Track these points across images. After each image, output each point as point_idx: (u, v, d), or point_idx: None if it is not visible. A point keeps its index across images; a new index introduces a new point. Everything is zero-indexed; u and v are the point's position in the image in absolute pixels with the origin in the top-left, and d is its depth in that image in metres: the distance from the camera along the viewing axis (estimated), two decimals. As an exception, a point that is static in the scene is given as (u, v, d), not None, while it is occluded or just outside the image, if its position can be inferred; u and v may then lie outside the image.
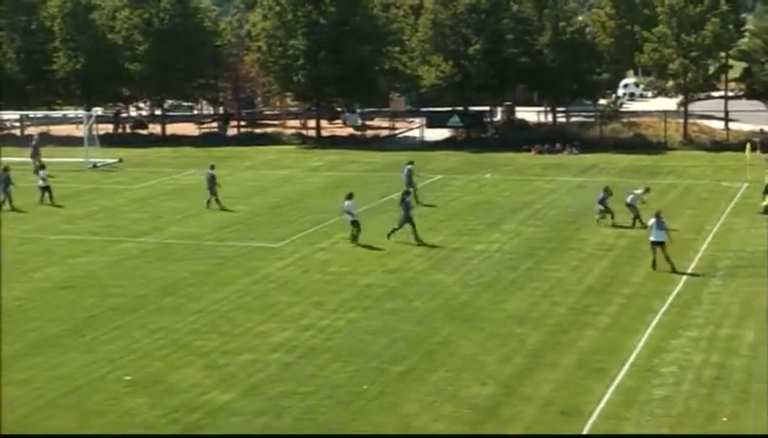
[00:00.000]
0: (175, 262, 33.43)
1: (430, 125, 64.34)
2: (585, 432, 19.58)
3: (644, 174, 47.03)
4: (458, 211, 40.10)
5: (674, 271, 30.14)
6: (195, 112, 78.48)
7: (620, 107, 67.75)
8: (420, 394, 21.46)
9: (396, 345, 24.61)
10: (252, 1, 79.62)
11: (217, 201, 42.38)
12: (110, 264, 33.48)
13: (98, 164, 55.68)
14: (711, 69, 61.34)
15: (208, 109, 78.50)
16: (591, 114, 66.67)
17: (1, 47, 68.88)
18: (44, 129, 68.00)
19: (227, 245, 35.82)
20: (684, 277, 29.94)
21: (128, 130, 71.14)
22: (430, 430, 19.87)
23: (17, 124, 71.66)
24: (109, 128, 69.42)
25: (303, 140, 64.80)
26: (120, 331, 26.15)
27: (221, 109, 76.08)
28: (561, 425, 19.89)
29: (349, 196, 35.62)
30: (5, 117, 70.15)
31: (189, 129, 70.15)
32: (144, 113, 76.17)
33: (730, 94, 62.98)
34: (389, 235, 34.96)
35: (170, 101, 73.36)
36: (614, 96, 71.52)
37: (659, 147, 57.81)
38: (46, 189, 44.56)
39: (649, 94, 77.08)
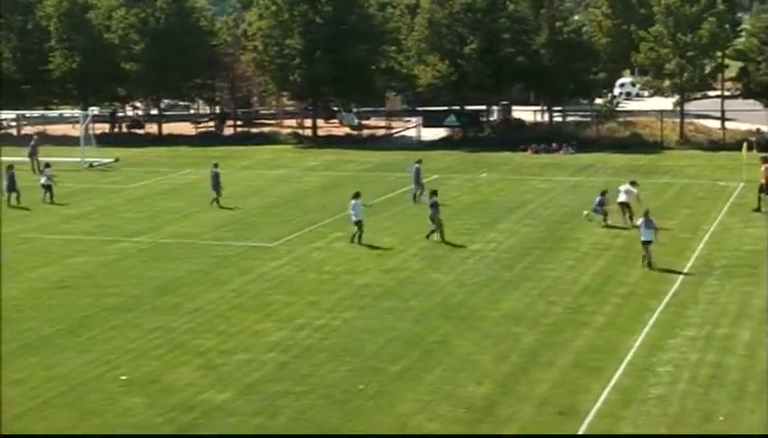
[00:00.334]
0: (171, 261, 33.42)
1: (427, 124, 64.22)
2: (581, 432, 19.57)
3: (640, 174, 46.97)
4: (454, 210, 40.06)
5: (650, 268, 30.39)
6: (192, 112, 78.33)
7: (617, 106, 67.84)
8: (417, 394, 21.44)
9: (392, 344, 24.61)
10: (248, 0, 79.55)
11: (218, 200, 42.41)
12: (106, 263, 33.47)
13: (95, 164, 55.66)
14: (708, 69, 61.25)
15: (204, 109, 78.39)
16: (587, 114, 66.56)
17: (-2, 47, 68.93)
18: (40, 128, 67.78)
19: (223, 244, 35.80)
20: (681, 277, 29.97)
21: (124, 130, 71.11)
22: (427, 430, 19.85)
23: (14, 124, 71.56)
24: (106, 127, 69.32)
25: (299, 140, 64.76)
26: (116, 331, 26.14)
27: (217, 108, 75.97)
28: (557, 425, 19.87)
29: (356, 195, 35.59)
30: (2, 116, 70.01)
31: (185, 128, 70.08)
32: (140, 113, 76.01)
33: (726, 93, 62.89)
34: (427, 237, 34.95)
35: (166, 101, 73.21)
36: (610, 95, 71.47)
37: (655, 146, 57.75)
38: (47, 188, 44.57)
39: (646, 93, 76.97)
